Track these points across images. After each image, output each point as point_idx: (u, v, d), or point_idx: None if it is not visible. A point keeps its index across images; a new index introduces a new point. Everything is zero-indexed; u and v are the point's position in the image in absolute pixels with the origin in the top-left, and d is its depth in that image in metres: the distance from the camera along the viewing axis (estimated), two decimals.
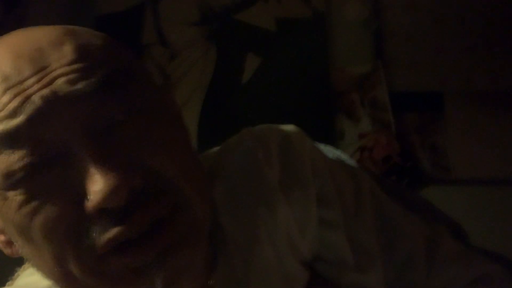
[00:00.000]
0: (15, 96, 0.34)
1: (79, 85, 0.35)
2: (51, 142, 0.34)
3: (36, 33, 0.38)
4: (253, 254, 0.46)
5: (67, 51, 0.36)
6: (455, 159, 1.39)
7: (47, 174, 0.34)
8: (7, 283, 0.48)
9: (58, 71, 0.35)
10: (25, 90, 0.34)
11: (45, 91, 0.34)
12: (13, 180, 0.34)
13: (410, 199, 0.59)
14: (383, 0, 1.49)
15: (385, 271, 0.50)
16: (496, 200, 1.32)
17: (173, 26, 1.50)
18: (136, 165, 0.35)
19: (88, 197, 0.34)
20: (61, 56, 0.36)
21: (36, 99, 0.34)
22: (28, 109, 0.34)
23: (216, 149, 0.52)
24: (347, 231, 0.49)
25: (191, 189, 0.38)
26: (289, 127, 0.52)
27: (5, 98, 0.34)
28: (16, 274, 0.48)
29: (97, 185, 0.33)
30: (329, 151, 0.59)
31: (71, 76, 0.35)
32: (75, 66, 0.36)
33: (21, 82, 0.35)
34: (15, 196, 0.35)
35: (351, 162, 0.59)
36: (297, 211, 0.47)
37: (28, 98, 0.34)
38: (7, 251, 0.40)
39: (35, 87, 0.34)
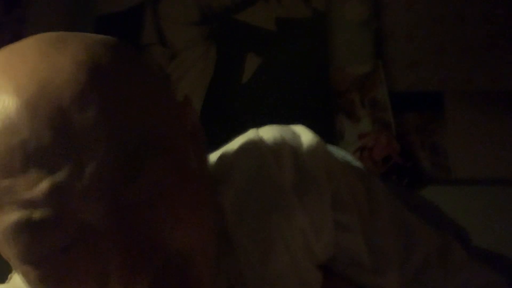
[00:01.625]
0: (40, 179, 0.30)
1: (106, 159, 0.31)
2: (74, 221, 0.32)
3: (51, 73, 0.32)
4: (268, 263, 0.45)
5: (93, 117, 0.31)
6: (455, 159, 1.39)
7: (69, 253, 0.32)
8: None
9: (85, 143, 0.31)
10: (51, 170, 0.30)
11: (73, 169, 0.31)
12: (33, 258, 0.32)
13: (416, 202, 0.58)
14: (383, 0, 1.49)
15: (401, 274, 0.50)
16: (496, 200, 1.32)
17: (173, 26, 1.50)
18: (160, 247, 0.34)
19: (111, 279, 0.32)
20: (87, 123, 0.31)
21: (64, 183, 0.31)
22: (56, 197, 0.31)
23: (222, 150, 0.50)
24: (363, 233, 0.49)
25: (205, 260, 0.37)
26: (299, 128, 0.50)
27: (29, 176, 0.31)
28: (9, 277, 0.48)
29: (120, 270, 0.32)
30: (335, 151, 0.59)
31: (97, 148, 0.31)
32: (101, 134, 0.31)
33: (43, 154, 0.30)
34: (32, 271, 0.33)
35: (358, 163, 0.59)
36: (313, 214, 0.46)
37: (56, 184, 0.31)
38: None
39: (64, 173, 0.31)
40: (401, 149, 1.38)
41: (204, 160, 0.42)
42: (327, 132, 1.39)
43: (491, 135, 1.39)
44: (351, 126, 1.42)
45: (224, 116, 1.43)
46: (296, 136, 0.49)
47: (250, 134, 0.50)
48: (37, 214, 0.31)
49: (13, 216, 0.31)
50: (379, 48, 1.46)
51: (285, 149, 0.47)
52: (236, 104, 1.43)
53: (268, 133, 0.49)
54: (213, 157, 0.50)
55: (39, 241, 0.31)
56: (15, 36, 1.43)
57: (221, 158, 0.49)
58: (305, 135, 0.49)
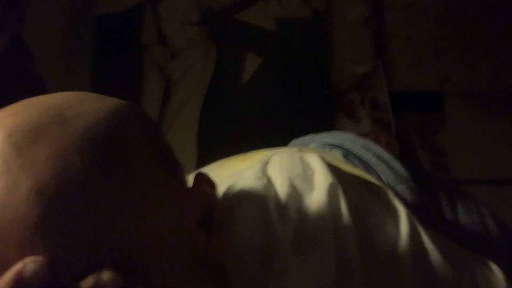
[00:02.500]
0: None
1: None
2: None
3: (4, 200, 0.28)
4: None
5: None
6: (455, 159, 1.39)
7: None
8: None
9: None
10: None
11: None
12: None
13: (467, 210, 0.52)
14: (383, 0, 1.49)
15: None
16: (496, 200, 1.32)
17: (173, 26, 1.50)
18: None
19: None
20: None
21: None
22: None
23: (231, 179, 0.45)
24: None
25: None
26: (315, 163, 0.45)
27: None
28: None
29: None
30: (360, 143, 0.55)
31: None
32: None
33: None
34: None
35: (387, 155, 0.54)
36: (312, 276, 0.41)
37: None
38: None
39: None
40: (401, 149, 1.38)
41: (217, 245, 0.38)
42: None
43: (491, 135, 1.39)
44: (351, 126, 1.42)
45: (224, 116, 1.43)
46: (308, 178, 0.43)
47: (258, 166, 0.45)
48: None
49: None
50: (379, 48, 1.46)
51: (291, 200, 0.42)
52: (236, 104, 1.43)
53: (277, 173, 0.44)
54: (222, 179, 0.45)
55: None
56: (15, 36, 1.43)
57: (226, 194, 0.44)
58: (318, 177, 0.43)
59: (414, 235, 0.43)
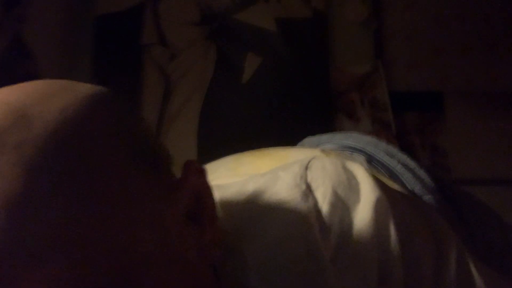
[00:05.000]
0: None
1: None
2: None
3: None
4: None
5: None
6: (455, 159, 1.39)
7: None
8: None
9: None
10: None
11: None
12: None
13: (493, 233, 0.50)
14: (383, 0, 1.49)
15: None
16: (496, 200, 1.32)
17: (173, 26, 1.50)
18: None
19: None
20: None
21: None
22: None
23: (257, 184, 0.41)
24: None
25: None
26: (360, 174, 0.41)
27: None
28: None
29: None
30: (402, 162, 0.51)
31: None
32: None
33: None
34: None
35: (427, 180, 0.51)
36: None
37: None
38: None
39: None
40: (401, 149, 1.38)
41: (212, 239, 0.35)
42: (327, 132, 1.38)
43: (491, 135, 1.39)
44: (351, 126, 1.42)
45: (224, 116, 1.43)
46: (353, 188, 0.40)
47: (296, 169, 0.41)
48: None
49: None
50: (379, 48, 1.46)
51: (334, 210, 0.38)
52: (236, 104, 1.43)
53: (318, 179, 0.40)
54: (241, 190, 0.41)
55: None
56: (15, 36, 1.43)
57: (255, 197, 0.40)
58: (364, 188, 0.40)
59: (461, 263, 0.40)
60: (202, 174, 0.35)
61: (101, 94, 0.33)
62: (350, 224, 0.38)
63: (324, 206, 0.38)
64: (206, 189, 0.35)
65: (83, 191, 0.28)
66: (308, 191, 0.39)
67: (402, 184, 0.53)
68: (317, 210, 0.38)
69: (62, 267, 0.26)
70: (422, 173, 0.54)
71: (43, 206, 0.26)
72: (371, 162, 0.56)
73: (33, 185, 0.26)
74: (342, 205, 0.39)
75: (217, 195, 0.38)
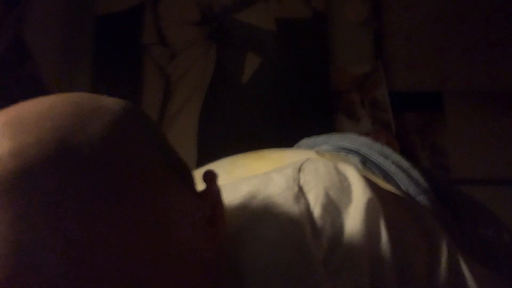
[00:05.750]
0: None
1: None
2: None
3: None
4: None
5: None
6: (455, 159, 1.39)
7: None
8: None
9: None
10: None
11: None
12: None
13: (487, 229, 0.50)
14: (383, 0, 1.49)
15: None
16: (496, 200, 1.32)
17: (173, 26, 1.50)
18: None
19: None
20: None
21: None
22: None
23: (252, 185, 0.41)
24: None
25: None
26: (350, 174, 0.41)
27: None
28: None
29: None
30: (393, 163, 0.51)
31: None
32: None
33: None
34: None
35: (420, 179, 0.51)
36: None
37: None
38: None
39: None
40: (401, 149, 1.38)
41: (223, 232, 0.36)
42: (327, 132, 1.39)
43: (491, 135, 1.39)
44: (351, 126, 1.42)
45: (224, 116, 1.43)
46: (345, 190, 0.40)
47: (288, 172, 0.41)
48: None
49: None
50: (379, 48, 1.46)
51: (326, 212, 0.39)
52: (236, 104, 1.43)
53: (311, 182, 0.40)
54: (237, 203, 0.41)
55: None
56: (15, 36, 1.43)
57: (247, 200, 0.40)
58: (356, 190, 0.40)
59: (452, 264, 0.40)
60: (217, 181, 0.37)
61: (129, 110, 0.34)
62: (341, 225, 0.38)
63: (316, 208, 0.39)
64: (219, 195, 0.37)
65: (134, 213, 0.29)
66: (300, 193, 0.39)
67: (396, 184, 0.53)
68: (309, 213, 0.38)
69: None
70: (416, 173, 0.54)
71: (107, 228, 0.27)
72: (366, 163, 0.56)
73: (90, 222, 0.26)
74: (334, 207, 0.39)
75: None
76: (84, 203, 0.27)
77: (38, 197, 0.26)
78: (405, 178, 0.54)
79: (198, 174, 0.38)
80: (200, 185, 0.38)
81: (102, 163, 0.28)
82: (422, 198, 0.52)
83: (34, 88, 1.38)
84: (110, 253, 0.27)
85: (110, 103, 0.33)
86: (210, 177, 0.37)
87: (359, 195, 0.40)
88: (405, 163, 0.55)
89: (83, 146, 0.28)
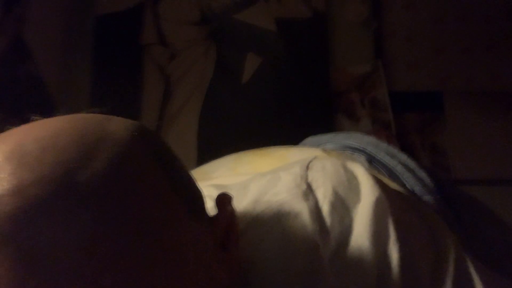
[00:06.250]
0: None
1: None
2: None
3: None
4: None
5: None
6: (455, 159, 1.39)
7: None
8: None
9: None
10: None
11: None
12: None
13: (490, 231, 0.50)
14: (383, 0, 1.49)
15: None
16: (496, 200, 1.32)
17: (173, 26, 1.50)
18: None
19: None
20: None
21: None
22: None
23: (260, 184, 0.41)
24: None
25: None
26: (360, 173, 0.41)
27: None
28: None
29: None
30: (402, 162, 0.51)
31: None
32: None
33: None
34: None
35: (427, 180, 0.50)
36: None
37: None
38: None
39: None
40: (401, 149, 1.38)
41: (237, 258, 0.35)
42: (327, 132, 1.38)
43: (491, 135, 1.39)
44: (351, 126, 1.42)
45: (224, 116, 1.43)
46: (353, 188, 0.40)
47: (296, 170, 0.41)
48: None
49: None
50: (379, 48, 1.46)
51: (335, 210, 0.38)
52: (236, 104, 1.43)
53: (319, 179, 0.40)
54: (249, 189, 0.41)
55: None
56: (15, 36, 1.43)
57: (256, 199, 0.40)
58: (365, 188, 0.40)
59: (460, 263, 0.40)
60: (231, 204, 0.36)
61: (138, 135, 0.32)
62: (350, 224, 0.38)
63: (325, 206, 0.38)
64: (233, 218, 0.36)
65: (144, 255, 0.28)
66: (309, 191, 0.39)
67: (402, 184, 0.53)
68: (318, 210, 0.38)
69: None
70: (422, 173, 0.54)
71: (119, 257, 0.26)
72: (372, 162, 0.56)
73: (94, 270, 0.25)
74: (343, 205, 0.39)
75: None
76: (87, 248, 0.25)
77: (37, 240, 0.25)
78: (412, 177, 0.54)
79: (199, 173, 0.38)
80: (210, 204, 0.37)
81: (107, 203, 0.27)
82: (428, 198, 0.52)
83: (34, 88, 1.38)
84: None
85: (118, 129, 0.31)
86: (223, 201, 0.36)
87: (367, 194, 0.39)
88: (411, 163, 0.55)
89: (86, 183, 0.27)
